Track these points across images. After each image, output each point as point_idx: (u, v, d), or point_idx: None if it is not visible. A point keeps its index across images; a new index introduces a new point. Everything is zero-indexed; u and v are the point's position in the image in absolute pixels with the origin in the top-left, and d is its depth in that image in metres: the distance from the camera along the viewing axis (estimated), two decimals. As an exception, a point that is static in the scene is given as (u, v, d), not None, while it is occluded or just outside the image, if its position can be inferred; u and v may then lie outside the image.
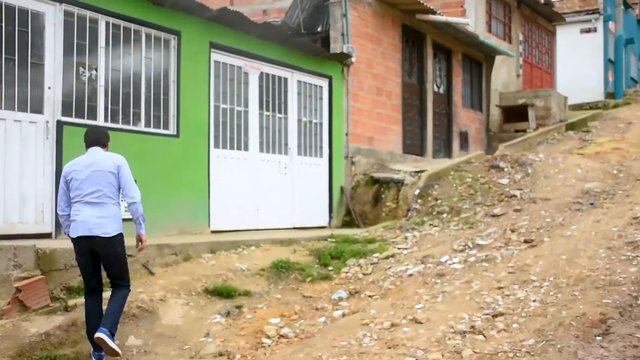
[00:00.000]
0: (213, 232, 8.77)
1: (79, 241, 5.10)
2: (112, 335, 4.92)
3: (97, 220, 5.04)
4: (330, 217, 10.88)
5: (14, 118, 6.60)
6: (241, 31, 9.27)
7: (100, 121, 7.44)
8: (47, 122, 6.87)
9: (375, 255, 7.98)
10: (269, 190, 9.79)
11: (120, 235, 5.21)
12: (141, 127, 7.94)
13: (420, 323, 5.42)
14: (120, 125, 7.65)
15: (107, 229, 5.07)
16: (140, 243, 5.31)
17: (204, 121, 8.73)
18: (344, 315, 6.23)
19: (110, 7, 7.55)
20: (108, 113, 7.54)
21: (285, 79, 10.29)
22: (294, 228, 10.18)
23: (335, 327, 5.81)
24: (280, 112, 10.16)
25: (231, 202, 9.16)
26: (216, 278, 6.84)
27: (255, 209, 9.53)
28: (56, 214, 5.90)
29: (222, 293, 6.57)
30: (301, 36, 11.21)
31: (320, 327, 5.97)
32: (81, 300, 5.44)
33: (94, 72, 7.45)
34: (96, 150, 5.29)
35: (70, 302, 5.71)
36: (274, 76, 10.04)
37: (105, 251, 5.11)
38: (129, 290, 5.35)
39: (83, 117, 7.24)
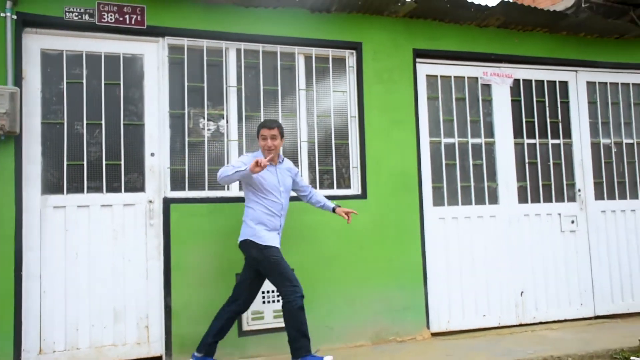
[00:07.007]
0: (435, 335, 5.79)
1: None
2: None
3: None
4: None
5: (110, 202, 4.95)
6: (469, 23, 6.10)
7: (233, 190, 5.30)
8: (151, 201, 5.04)
9: None
10: (541, 261, 6.27)
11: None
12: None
13: None
14: (266, 192, 5.38)
15: None
16: None
17: (410, 167, 5.83)
18: None
19: (239, 29, 5.38)
20: (244, 177, 5.36)
21: (565, 83, 6.60)
22: (595, 317, 6.38)
23: None
24: (556, 136, 6.52)
25: (466, 287, 6.00)
26: None
27: (514, 292, 6.13)
28: None
29: None
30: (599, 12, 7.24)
31: None
32: None
33: (221, 122, 5.36)
34: None
35: None
36: (540, 82, 6.48)
37: None
38: None
39: (202, 188, 5.21)
